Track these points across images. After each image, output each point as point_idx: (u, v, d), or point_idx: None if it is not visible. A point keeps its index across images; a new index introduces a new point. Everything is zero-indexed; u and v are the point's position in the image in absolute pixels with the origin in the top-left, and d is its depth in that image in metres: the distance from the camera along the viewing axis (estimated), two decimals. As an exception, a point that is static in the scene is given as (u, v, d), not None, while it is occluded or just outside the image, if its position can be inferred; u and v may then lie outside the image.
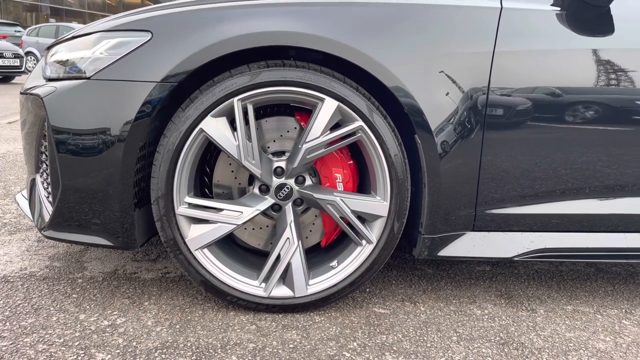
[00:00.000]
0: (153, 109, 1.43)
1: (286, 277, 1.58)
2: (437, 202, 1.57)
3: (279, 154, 1.63)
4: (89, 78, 1.47)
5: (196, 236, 1.51)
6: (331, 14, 1.49)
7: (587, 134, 1.59)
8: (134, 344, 1.41)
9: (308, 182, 1.60)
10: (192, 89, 1.51)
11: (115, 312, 1.58)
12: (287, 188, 1.56)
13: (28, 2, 38.87)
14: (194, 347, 1.40)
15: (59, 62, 1.58)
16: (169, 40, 1.44)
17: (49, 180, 1.60)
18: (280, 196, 1.56)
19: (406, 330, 1.54)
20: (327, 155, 1.59)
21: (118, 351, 1.36)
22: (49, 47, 1.73)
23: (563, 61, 1.56)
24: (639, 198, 1.68)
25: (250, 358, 1.36)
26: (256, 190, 1.59)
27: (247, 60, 1.51)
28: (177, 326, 1.51)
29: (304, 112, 1.63)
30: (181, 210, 1.49)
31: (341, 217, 1.55)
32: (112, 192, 1.47)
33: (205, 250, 1.54)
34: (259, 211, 1.54)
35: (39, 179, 1.75)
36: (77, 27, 15.71)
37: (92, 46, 1.52)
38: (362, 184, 1.73)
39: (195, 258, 1.53)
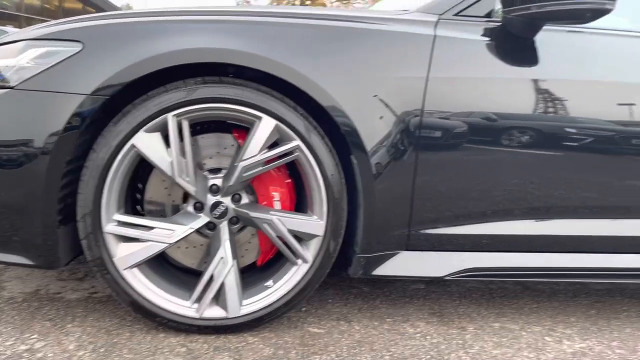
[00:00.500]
0: (82, 122, 1.37)
1: (219, 297, 1.54)
2: (372, 222, 1.59)
3: (215, 171, 1.61)
4: (12, 87, 1.39)
5: (125, 255, 1.45)
6: (272, 33, 1.50)
7: (517, 158, 1.66)
8: (53, 370, 1.33)
9: (244, 200, 1.59)
10: (126, 102, 1.46)
11: (34, 336, 1.49)
12: (223, 206, 1.54)
13: (-43, 1, 36.68)
14: (118, 372, 1.33)
15: None
16: (102, 52, 1.40)
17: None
18: (215, 214, 1.53)
19: (340, 350, 1.54)
20: (264, 173, 1.57)
21: (35, 378, 1.28)
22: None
23: (493, 88, 1.63)
24: (565, 220, 1.78)
25: (178, 382, 1.31)
26: (190, 208, 1.56)
27: (184, 75, 1.48)
28: (102, 350, 1.44)
29: (242, 130, 1.62)
30: (109, 228, 1.43)
31: (277, 236, 1.54)
32: (35, 207, 1.39)
33: (135, 270, 1.49)
34: (192, 229, 1.50)
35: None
36: (12, 31, 14.95)
37: (17, 54, 1.44)
38: (300, 203, 1.73)
39: (123, 278, 1.47)
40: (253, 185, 1.62)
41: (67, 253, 1.49)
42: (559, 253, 1.81)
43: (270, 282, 1.59)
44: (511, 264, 1.78)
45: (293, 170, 1.67)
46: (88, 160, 1.40)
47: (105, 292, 1.81)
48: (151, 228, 1.47)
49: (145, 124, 1.40)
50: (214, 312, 1.54)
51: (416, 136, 1.56)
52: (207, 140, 1.61)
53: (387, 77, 1.54)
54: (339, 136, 1.53)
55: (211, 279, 1.53)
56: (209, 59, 1.41)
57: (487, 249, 1.76)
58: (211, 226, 1.56)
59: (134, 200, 1.67)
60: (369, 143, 1.52)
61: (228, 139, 1.62)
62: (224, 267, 1.52)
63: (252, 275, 1.70)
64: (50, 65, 1.40)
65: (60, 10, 43.99)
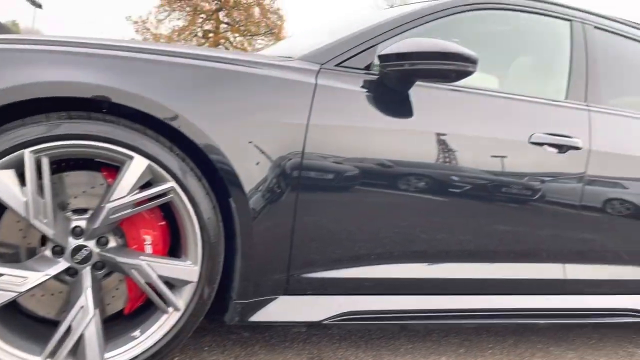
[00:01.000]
0: None
1: (77, 351, 1.40)
2: (250, 266, 1.56)
3: (81, 211, 1.48)
4: None
5: (-36, 306, 1.28)
6: (149, 70, 1.45)
7: (391, 202, 1.74)
8: None
9: (112, 243, 1.48)
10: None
11: None
12: (86, 250, 1.42)
13: None
14: None
15: None
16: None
17: None
18: (76, 259, 1.41)
19: (211, 403, 1.47)
20: (135, 215, 1.49)
21: None
22: None
23: (369, 137, 1.70)
24: (440, 263, 1.87)
25: None
26: (48, 252, 1.42)
27: (51, 109, 1.37)
28: None
29: (113, 168, 1.52)
30: (-54, 275, 1.26)
31: (147, 283, 1.45)
32: None
33: (-24, 323, 1.31)
34: (48, 276, 1.37)
35: None
36: None
37: None
38: (176, 246, 1.65)
39: (-40, 332, 1.29)
40: (122, 228, 1.52)
41: None
42: (434, 295, 1.90)
43: (137, 332, 1.48)
44: (388, 307, 1.83)
45: (168, 212, 1.60)
46: None
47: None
48: (-2, 275, 1.31)
49: (-3, 160, 1.27)
50: (70, 368, 1.39)
51: (296, 180, 1.57)
52: (73, 178, 1.49)
53: (267, 121, 1.56)
54: (218, 178, 1.50)
55: (69, 330, 1.39)
56: (74, 93, 1.33)
57: (366, 292, 1.80)
58: (72, 272, 1.43)
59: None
60: (248, 185, 1.51)
61: (97, 177, 1.52)
62: (84, 317, 1.40)
63: (118, 324, 1.57)
64: None
65: None
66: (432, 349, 2.08)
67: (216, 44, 33.59)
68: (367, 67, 1.79)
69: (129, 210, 1.41)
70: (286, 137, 1.57)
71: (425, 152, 1.78)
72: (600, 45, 2.25)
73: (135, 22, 33.12)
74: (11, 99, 1.27)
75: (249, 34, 34.36)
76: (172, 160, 1.43)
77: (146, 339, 1.47)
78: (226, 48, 33.97)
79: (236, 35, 34.34)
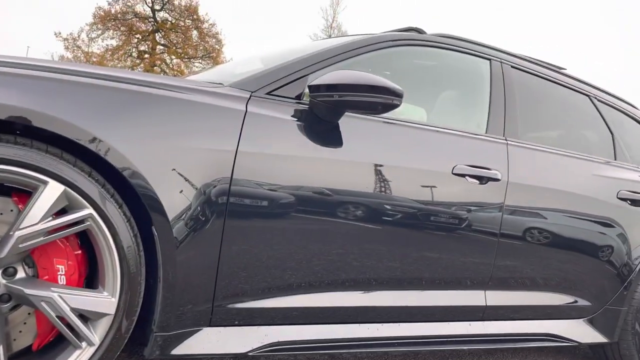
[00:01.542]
0: None
1: (-24, 393, 1.28)
2: (173, 297, 1.50)
3: (-14, 239, 1.38)
4: None
5: None
6: (68, 92, 1.39)
7: (322, 230, 1.74)
8: None
9: (20, 274, 1.38)
10: None
11: None
12: (-10, 282, 1.31)
13: None
14: None
15: None
16: None
17: None
18: (-21, 292, 1.30)
19: None
20: (48, 243, 1.40)
21: None
22: None
23: (301, 165, 1.71)
24: (377, 292, 1.88)
25: None
26: (-55, 285, 1.30)
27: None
28: None
29: (25, 193, 1.43)
30: None
31: (58, 316, 1.36)
32: None
33: None
34: (-56, 311, 1.25)
35: None
36: None
37: None
38: (93, 276, 1.56)
39: None
40: (33, 257, 1.43)
41: None
42: (363, 323, 1.90)
43: (46, 370, 1.38)
44: (317, 336, 1.81)
45: (86, 240, 1.51)
46: None
47: None
48: None
49: None
50: (-34, 413, 1.27)
51: (223, 208, 1.55)
52: (-21, 203, 1.39)
53: (194, 147, 1.53)
54: (140, 205, 1.44)
55: (-34, 370, 1.27)
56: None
57: (295, 322, 1.78)
58: (-28, 305, 1.32)
59: None
60: (172, 213, 1.46)
61: (7, 203, 1.42)
62: (-15, 355, 1.28)
63: (25, 361, 1.45)
64: None
65: None
66: (360, 378, 2.07)
67: (152, 66, 32.94)
68: (298, 97, 1.80)
69: (40, 239, 1.33)
70: (214, 163, 1.55)
71: (353, 181, 1.81)
72: (517, 84, 2.41)
73: (65, 39, 31.93)
74: None
75: (186, 56, 34.00)
76: (90, 185, 1.36)
77: (56, 377, 1.37)
78: (162, 70, 33.42)
79: (173, 57, 33.88)
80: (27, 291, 1.34)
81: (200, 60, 34.48)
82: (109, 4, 31.43)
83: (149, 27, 33.01)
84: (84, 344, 1.40)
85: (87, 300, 1.39)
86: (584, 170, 2.49)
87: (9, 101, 1.29)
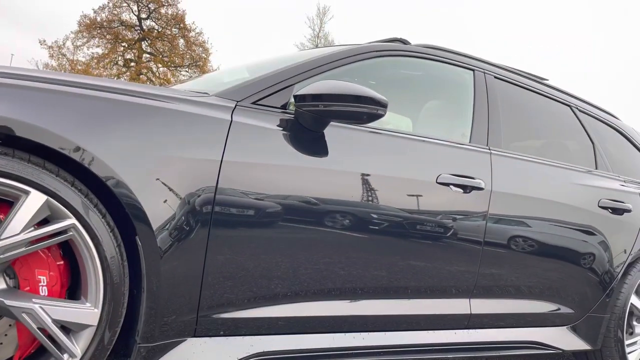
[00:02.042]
0: None
1: (-47, 408, 1.26)
2: (157, 307, 1.49)
3: (-34, 250, 1.36)
4: None
5: None
6: (50, 101, 1.39)
7: (308, 239, 1.75)
8: None
9: (1, 285, 1.35)
10: None
11: None
12: (-31, 293, 1.29)
13: None
14: None
15: None
16: None
17: None
18: (-43, 303, 1.28)
19: None
20: (30, 254, 1.38)
21: None
22: None
23: (286, 174, 1.71)
24: (363, 301, 1.89)
25: None
26: None
27: None
28: None
29: (6, 203, 1.42)
30: None
31: (39, 328, 1.34)
32: None
33: None
34: None
35: None
36: None
37: None
38: (76, 287, 1.54)
39: None
40: (14, 268, 1.41)
41: None
42: (349, 332, 1.90)
43: (26, 383, 1.36)
44: (303, 346, 1.81)
45: (68, 250, 1.50)
46: None
47: None
48: None
49: None
50: None
51: (207, 218, 1.54)
52: (-41, 213, 1.37)
53: (179, 157, 1.52)
54: (124, 215, 1.43)
55: (-56, 384, 1.24)
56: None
57: (280, 332, 1.77)
58: (-49, 317, 1.30)
59: None
60: (156, 222, 1.46)
61: (-12, 212, 1.40)
62: (-37, 368, 1.26)
63: (5, 374, 1.43)
64: None
65: None
66: (346, 388, 2.06)
67: (138, 74, 32.79)
68: (284, 106, 1.81)
69: (21, 249, 1.31)
70: (199, 173, 1.54)
71: (339, 191, 1.82)
72: (500, 94, 2.44)
73: (50, 47, 31.67)
74: None
75: (172, 65, 33.92)
76: (73, 195, 1.35)
77: (37, 390, 1.35)
78: (148, 78, 33.27)
79: (159, 65, 33.77)
80: (8, 302, 1.32)
81: (187, 69, 34.42)
82: (95, 12, 31.28)
83: (135, 36, 32.90)
84: (65, 356, 1.38)
85: (69, 311, 1.37)
86: (565, 179, 2.53)
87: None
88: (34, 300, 1.34)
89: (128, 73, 32.85)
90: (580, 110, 2.89)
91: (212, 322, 1.62)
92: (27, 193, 1.30)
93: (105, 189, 1.40)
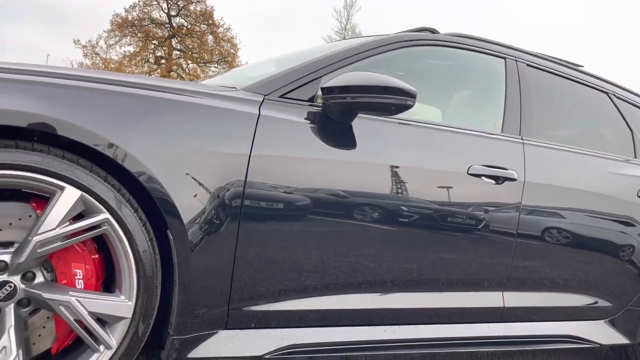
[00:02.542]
0: None
1: (-3, 396, 1.30)
2: (188, 301, 1.52)
3: (7, 244, 1.40)
4: None
5: None
6: (84, 98, 1.42)
7: (341, 231, 1.74)
8: None
9: (39, 279, 1.40)
10: None
11: None
12: (10, 286, 1.33)
13: None
14: None
15: None
16: None
17: None
18: (-1, 296, 1.33)
19: None
20: (66, 248, 1.42)
21: None
22: None
23: (315, 167, 1.71)
24: (393, 294, 1.87)
25: None
26: (-33, 289, 1.33)
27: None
28: None
29: (43, 199, 1.46)
30: None
31: (76, 320, 1.38)
32: None
33: None
34: (-35, 316, 1.28)
35: None
36: None
37: None
38: (111, 280, 1.58)
39: None
40: (51, 261, 1.45)
41: None
42: (380, 325, 1.89)
43: (65, 373, 1.40)
44: (333, 339, 1.81)
45: (103, 244, 1.53)
46: None
47: None
48: None
49: None
50: (-12, 415, 1.29)
51: (237, 211, 1.55)
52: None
53: (208, 151, 1.54)
54: (155, 209, 1.46)
55: (-12, 373, 1.29)
56: (3, 121, 1.27)
57: (311, 324, 1.77)
58: (-7, 310, 1.34)
59: None
60: (187, 216, 1.47)
61: (25, 208, 1.44)
62: (6, 358, 1.30)
63: (45, 365, 1.48)
64: None
65: None
66: (377, 381, 2.06)
67: (168, 71, 33.30)
68: (311, 99, 1.81)
69: (58, 244, 1.35)
70: (228, 167, 1.55)
71: (368, 183, 1.80)
72: (533, 82, 2.37)
73: (84, 46, 32.44)
74: None
75: (202, 61, 34.30)
76: (106, 190, 1.38)
77: (75, 380, 1.39)
78: (179, 75, 33.75)
79: (189, 62, 34.20)
80: (46, 295, 1.36)
81: (216, 65, 34.74)
82: (126, 10, 31.83)
83: (165, 33, 33.38)
84: (101, 348, 1.41)
85: (105, 304, 1.41)
86: (602, 169, 2.44)
87: (29, 109, 1.32)
88: (70, 293, 1.38)
89: (159, 70, 33.38)
90: (617, 97, 2.78)
91: (243, 315, 1.64)
92: (62, 189, 1.33)
93: (137, 184, 1.43)
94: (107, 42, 32.29)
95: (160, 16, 32.95)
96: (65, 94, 1.40)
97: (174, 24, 33.25)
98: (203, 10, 32.75)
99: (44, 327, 1.49)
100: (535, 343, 2.21)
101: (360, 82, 1.68)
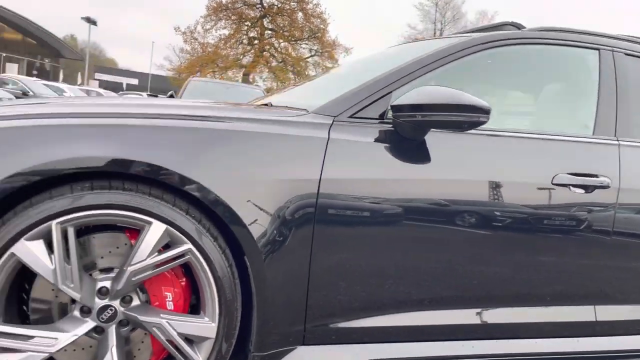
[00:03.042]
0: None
1: (105, 405, 1.49)
2: (267, 320, 1.61)
3: (108, 270, 1.58)
4: None
5: (0, 368, 1.40)
6: (165, 138, 1.53)
7: (416, 251, 1.75)
8: None
9: (135, 301, 1.56)
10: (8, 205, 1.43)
11: None
12: (111, 310, 1.51)
13: None
14: None
15: None
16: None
17: None
18: (102, 318, 1.50)
19: None
20: (157, 274, 1.57)
21: None
22: None
23: (387, 186, 1.71)
24: (478, 309, 1.86)
25: None
26: (77, 312, 1.51)
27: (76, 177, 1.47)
28: None
29: (135, 230, 1.61)
30: (-17, 340, 1.37)
31: (167, 340, 1.53)
32: None
33: (12, 381, 1.42)
34: (77, 336, 1.47)
35: None
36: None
37: None
38: (199, 300, 1.72)
39: (-2, 392, 1.41)
40: (145, 286, 1.61)
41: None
42: (465, 340, 1.88)
43: (161, 385, 1.56)
44: (412, 354, 1.82)
45: (189, 269, 1.67)
46: (-36, 270, 1.36)
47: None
48: (31, 337, 1.42)
49: (27, 232, 1.38)
50: (98, 422, 1.49)
51: (309, 235, 1.61)
52: (100, 239, 1.59)
53: (282, 178, 1.60)
54: (233, 237, 1.56)
55: (97, 385, 1.48)
56: (92, 164, 1.42)
57: (388, 340, 1.80)
58: (99, 330, 1.53)
59: (20, 300, 1.61)
60: (262, 242, 1.56)
61: (121, 237, 1.61)
62: (111, 373, 1.49)
63: (145, 375, 1.66)
64: None
65: (2, 43, 42.50)
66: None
67: (261, 51, 34.14)
68: (382, 115, 1.79)
69: (149, 272, 1.49)
70: (299, 192, 1.61)
71: (443, 201, 1.76)
72: (633, 74, 2.16)
73: (184, 33, 34.20)
74: (38, 178, 1.37)
75: (293, 39, 34.75)
76: (188, 223, 1.50)
77: (169, 391, 1.55)
78: (271, 54, 34.50)
79: (280, 41, 34.82)
80: (141, 318, 1.52)
81: (306, 41, 35.06)
82: (221, -5, 32.99)
83: (257, 14, 34.18)
84: (191, 364, 1.56)
85: (191, 325, 1.54)
86: None
87: (113, 153, 1.46)
88: (161, 315, 1.53)
89: (252, 51, 34.38)
90: None
91: (319, 332, 1.71)
92: (149, 223, 1.47)
93: (215, 214, 1.53)
94: (204, 27, 33.77)
95: (252, -3, 33.75)
96: (144, 135, 1.52)
97: (264, 4, 33.88)
98: (292, -13, 33.07)
99: (142, 342, 1.67)
100: (627, 357, 2.07)
101: (430, 101, 1.65)
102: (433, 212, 1.76)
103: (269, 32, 34.64)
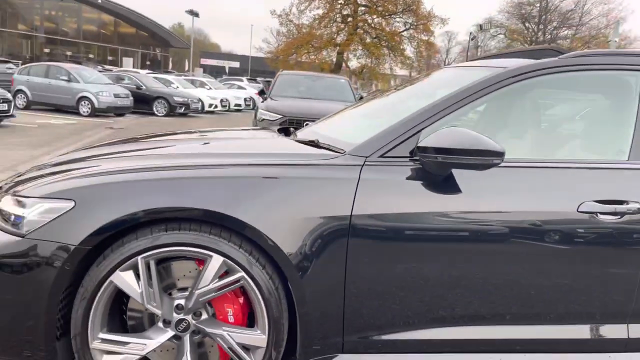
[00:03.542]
0: (72, 264, 1.79)
1: (184, 398, 1.92)
2: (308, 333, 1.93)
3: (184, 289, 1.99)
4: (23, 236, 1.83)
5: (107, 365, 1.87)
6: (223, 187, 1.89)
7: (446, 278, 1.97)
8: None
9: (204, 316, 1.96)
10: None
11: None
12: (185, 322, 1.92)
13: (23, 31, 39.53)
14: None
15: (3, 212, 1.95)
16: (87, 210, 1.82)
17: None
18: (179, 329, 1.92)
19: None
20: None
21: None
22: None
23: (416, 222, 1.93)
24: (513, 326, 2.04)
25: None
26: (160, 324, 1.94)
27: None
28: None
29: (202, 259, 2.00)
30: (95, 344, 1.84)
31: (229, 347, 1.91)
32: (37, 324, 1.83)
33: (116, 375, 1.89)
34: (159, 343, 1.90)
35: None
36: (67, 66, 16.19)
37: (28, 208, 1.88)
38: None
39: (106, 382, 1.88)
40: (212, 302, 2.00)
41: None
42: (502, 353, 2.07)
43: (224, 383, 1.96)
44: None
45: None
46: (78, 292, 1.82)
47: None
48: (127, 343, 1.87)
49: (120, 265, 1.81)
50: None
51: (343, 267, 1.89)
52: (177, 265, 2.00)
53: (316, 215, 1.89)
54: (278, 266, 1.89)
55: (177, 384, 1.91)
56: (165, 214, 1.81)
57: (430, 351, 2.05)
58: (177, 337, 1.95)
59: (122, 311, 2.08)
60: (302, 270, 1.87)
61: (193, 264, 2.01)
62: (187, 372, 1.91)
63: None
64: (51, 219, 1.82)
65: (116, 35, 46.48)
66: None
67: (355, 28, 34.03)
68: (412, 152, 2.00)
69: (212, 294, 1.88)
70: (333, 228, 1.88)
71: (471, 232, 1.95)
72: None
73: (279, 16, 35.07)
74: (125, 225, 1.80)
75: (387, 13, 34.22)
76: (240, 255, 1.85)
77: (231, 388, 1.94)
78: (365, 31, 34.27)
79: (374, 16, 34.44)
80: (208, 330, 1.91)
81: (400, 15, 34.35)
82: (314, -25, 33.23)
83: (349, -10, 34.03)
84: (248, 367, 1.94)
85: (247, 337, 1.91)
86: None
87: (182, 203, 1.84)
88: (223, 328, 1.92)
89: (346, 29, 34.39)
90: None
91: (357, 342, 2.00)
92: (210, 256, 1.84)
93: (261, 248, 1.87)
94: (299, 9, 34.37)
95: (344, -26, 33.61)
96: (202, 185, 1.88)
97: (357, -20, 33.64)
98: (384, -39, 32.43)
99: (212, 346, 2.07)
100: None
101: (450, 145, 1.83)
102: (458, 246, 1.96)
103: (362, 8, 34.42)
